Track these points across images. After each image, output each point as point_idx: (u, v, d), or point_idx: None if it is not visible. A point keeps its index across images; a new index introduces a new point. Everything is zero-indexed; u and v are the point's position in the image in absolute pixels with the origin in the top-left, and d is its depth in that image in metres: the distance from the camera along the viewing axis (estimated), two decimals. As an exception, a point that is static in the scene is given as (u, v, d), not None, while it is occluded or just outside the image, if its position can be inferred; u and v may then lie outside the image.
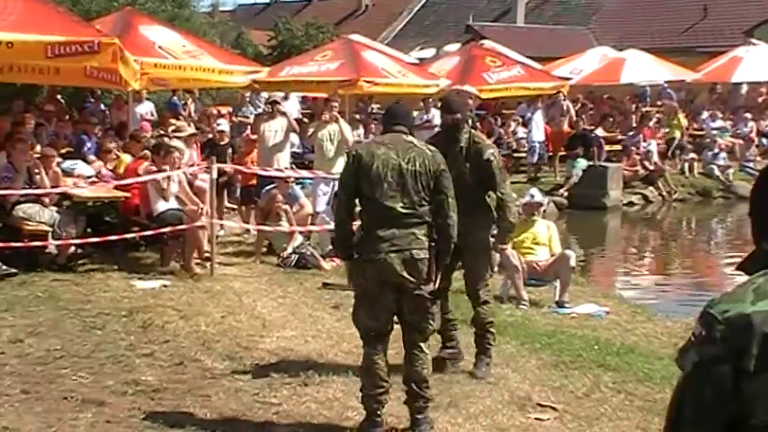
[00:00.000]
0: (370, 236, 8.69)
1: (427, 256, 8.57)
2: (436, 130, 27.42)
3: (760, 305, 3.36)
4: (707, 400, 3.45)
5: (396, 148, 8.88)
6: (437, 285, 8.73)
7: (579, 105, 35.07)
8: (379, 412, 8.62)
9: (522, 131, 32.70)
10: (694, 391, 3.48)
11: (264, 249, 16.96)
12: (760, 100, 38.93)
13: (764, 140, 35.21)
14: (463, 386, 10.04)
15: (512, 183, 26.91)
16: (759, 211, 3.64)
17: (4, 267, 13.86)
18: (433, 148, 9.29)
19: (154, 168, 15.54)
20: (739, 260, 3.60)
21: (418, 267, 8.48)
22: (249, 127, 22.91)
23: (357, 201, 8.94)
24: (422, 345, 8.82)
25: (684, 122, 33.43)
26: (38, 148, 16.05)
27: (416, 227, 8.61)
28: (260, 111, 24.02)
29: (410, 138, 9.23)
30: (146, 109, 24.72)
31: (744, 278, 3.53)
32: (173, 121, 23.05)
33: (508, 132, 32.93)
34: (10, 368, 10.03)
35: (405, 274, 8.44)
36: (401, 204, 8.60)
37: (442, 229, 8.69)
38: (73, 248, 14.86)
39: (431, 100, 28.44)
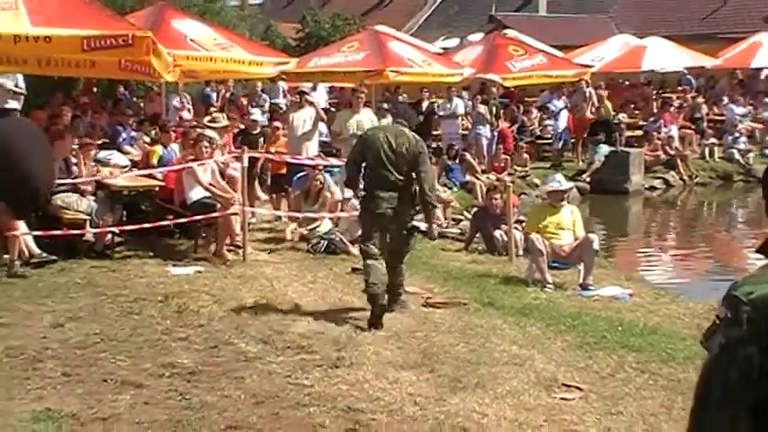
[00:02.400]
0: (372, 195, 12.06)
1: (411, 211, 12.31)
2: (459, 123, 27.74)
3: None
4: (734, 381, 3.45)
5: (393, 133, 12.25)
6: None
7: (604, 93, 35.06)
8: (381, 296, 11.69)
9: (546, 120, 32.66)
10: (721, 372, 3.49)
11: (296, 238, 16.97)
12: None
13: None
14: (490, 368, 10.09)
15: (535, 168, 27.23)
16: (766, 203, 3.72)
17: (45, 255, 13.96)
18: (417, 136, 12.73)
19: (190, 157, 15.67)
20: (759, 243, 3.65)
21: (403, 219, 12.09)
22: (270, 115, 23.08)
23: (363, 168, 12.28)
24: (400, 264, 12.26)
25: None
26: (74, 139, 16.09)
27: (404, 190, 11.97)
28: (276, 101, 24.11)
29: (403, 128, 12.69)
30: (179, 100, 24.75)
31: (763, 261, 3.58)
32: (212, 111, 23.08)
33: (531, 119, 32.87)
34: (51, 352, 10.12)
35: (394, 224, 12.06)
36: (393, 174, 11.88)
37: (422, 193, 12.17)
38: (110, 236, 14.96)
39: (453, 89, 28.46)
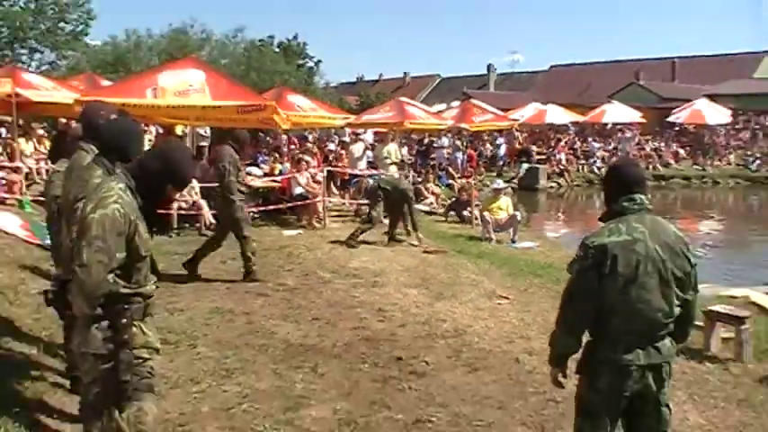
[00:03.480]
0: None
1: None
2: (445, 151, 27.51)
3: (611, 238, 3.59)
4: (584, 289, 3.61)
5: None
6: None
7: (525, 134, 35.18)
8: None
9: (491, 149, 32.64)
10: (578, 285, 3.67)
11: (352, 213, 16.98)
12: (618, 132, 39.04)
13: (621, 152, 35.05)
14: (459, 287, 10.08)
15: (487, 176, 27.04)
16: (605, 188, 3.94)
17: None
18: None
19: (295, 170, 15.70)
20: (601, 214, 3.91)
21: None
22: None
23: None
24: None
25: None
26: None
27: None
28: (344, 139, 24.05)
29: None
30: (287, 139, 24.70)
31: (602, 225, 3.73)
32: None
33: (485, 149, 32.83)
34: (220, 276, 10.16)
35: None
36: None
37: None
38: (251, 213, 14.94)
39: (442, 132, 28.45)
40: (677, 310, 3.74)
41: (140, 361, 3.45)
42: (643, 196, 3.81)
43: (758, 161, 35.70)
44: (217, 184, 10.54)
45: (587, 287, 3.66)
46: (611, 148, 35.18)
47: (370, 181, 17.66)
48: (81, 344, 3.42)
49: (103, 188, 3.45)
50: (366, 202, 14.85)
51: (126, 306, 3.36)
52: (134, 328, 3.41)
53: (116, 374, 3.33)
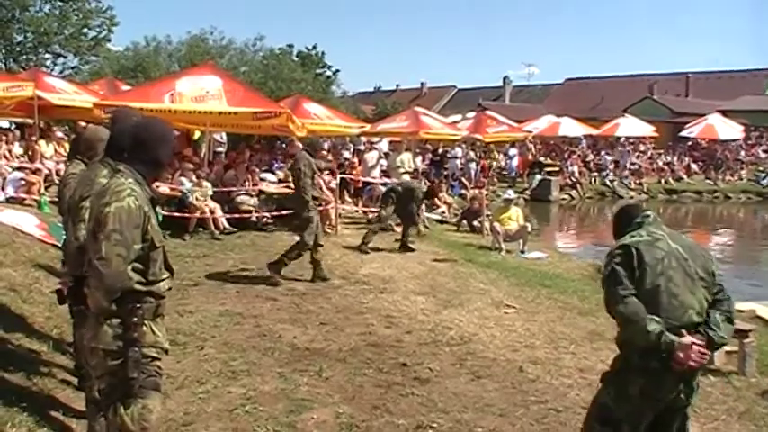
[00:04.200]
0: None
1: None
2: (458, 161, 27.52)
3: (634, 239, 3.79)
4: (618, 275, 3.56)
5: None
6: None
7: (539, 146, 35.21)
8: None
9: (506, 160, 32.65)
10: (614, 274, 3.63)
11: (366, 221, 16.98)
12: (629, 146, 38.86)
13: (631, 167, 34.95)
14: (466, 295, 10.06)
15: (500, 187, 26.99)
16: (617, 226, 4.15)
17: (230, 228, 14.06)
18: None
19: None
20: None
21: None
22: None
23: None
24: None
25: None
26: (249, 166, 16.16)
27: None
28: (359, 147, 24.07)
29: None
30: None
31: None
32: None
33: (498, 160, 32.83)
34: (231, 280, 10.21)
35: None
36: None
37: None
38: (265, 218, 15.00)
39: (456, 142, 28.44)
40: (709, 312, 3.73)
41: (148, 359, 3.49)
42: (653, 213, 4.02)
43: (770, 177, 35.51)
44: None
45: (623, 276, 3.69)
46: (610, 159, 35.13)
47: (383, 189, 17.71)
48: (92, 339, 3.47)
49: (114, 184, 3.49)
50: (378, 207, 14.89)
51: (138, 304, 3.40)
52: (144, 327, 3.45)
53: (124, 371, 3.36)
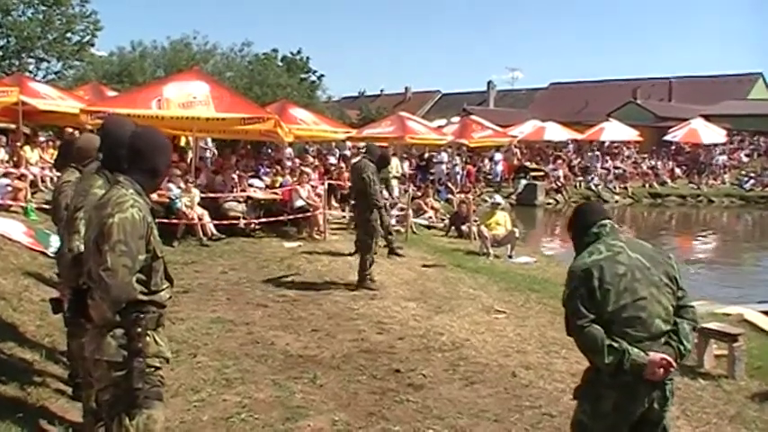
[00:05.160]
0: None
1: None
2: (444, 166, 27.50)
3: (593, 257, 3.68)
4: (575, 304, 3.54)
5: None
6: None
7: (525, 151, 35.38)
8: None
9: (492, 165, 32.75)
10: (571, 302, 3.59)
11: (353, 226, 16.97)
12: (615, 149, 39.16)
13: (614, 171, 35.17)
14: (457, 300, 10.09)
15: (486, 191, 27.06)
16: (574, 229, 4.02)
17: (218, 234, 14.01)
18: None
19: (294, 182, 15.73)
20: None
21: None
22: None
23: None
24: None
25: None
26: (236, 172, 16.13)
27: None
28: (344, 152, 24.09)
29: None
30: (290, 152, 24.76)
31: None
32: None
33: (484, 164, 32.92)
34: (221, 286, 10.21)
35: None
36: None
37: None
38: (253, 225, 14.97)
39: (442, 147, 28.49)
40: (674, 319, 3.72)
41: (152, 369, 3.48)
42: (610, 221, 3.89)
43: (752, 180, 35.87)
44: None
45: (580, 303, 3.61)
46: (575, 164, 35.49)
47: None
48: (95, 351, 3.45)
49: (116, 195, 3.48)
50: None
51: (141, 315, 3.39)
52: (147, 337, 3.44)
53: (129, 382, 3.35)
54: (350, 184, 18.29)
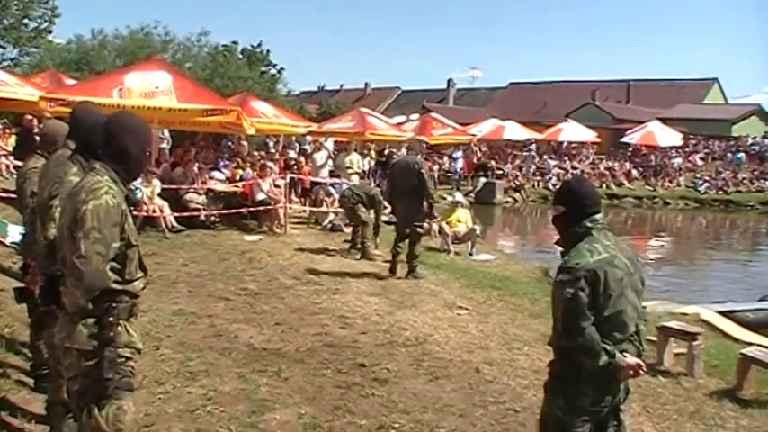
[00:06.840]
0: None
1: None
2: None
3: (595, 257, 3.61)
4: (581, 304, 3.52)
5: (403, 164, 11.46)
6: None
7: (485, 149, 35.57)
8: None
9: (451, 162, 32.88)
10: (576, 303, 3.55)
11: (313, 221, 16.97)
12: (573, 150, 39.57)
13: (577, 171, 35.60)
14: (419, 296, 10.10)
15: (445, 189, 27.17)
16: (568, 210, 3.84)
17: (178, 226, 13.87)
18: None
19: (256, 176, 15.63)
20: (556, 239, 3.90)
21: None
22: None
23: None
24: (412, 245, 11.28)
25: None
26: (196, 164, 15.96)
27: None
28: (305, 147, 24.04)
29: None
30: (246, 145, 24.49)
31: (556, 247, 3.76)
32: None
33: (443, 162, 33.08)
34: (182, 279, 10.09)
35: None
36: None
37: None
38: (213, 217, 14.86)
39: (402, 144, 28.48)
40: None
41: (123, 360, 3.43)
42: (601, 215, 3.87)
43: (706, 183, 36.59)
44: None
45: (584, 305, 3.57)
46: (517, 163, 36.07)
47: (331, 189, 17.68)
48: (65, 339, 3.39)
49: (90, 182, 3.43)
50: (342, 210, 14.86)
51: (114, 304, 3.34)
52: (119, 327, 3.39)
53: (99, 372, 3.30)
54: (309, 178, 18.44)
